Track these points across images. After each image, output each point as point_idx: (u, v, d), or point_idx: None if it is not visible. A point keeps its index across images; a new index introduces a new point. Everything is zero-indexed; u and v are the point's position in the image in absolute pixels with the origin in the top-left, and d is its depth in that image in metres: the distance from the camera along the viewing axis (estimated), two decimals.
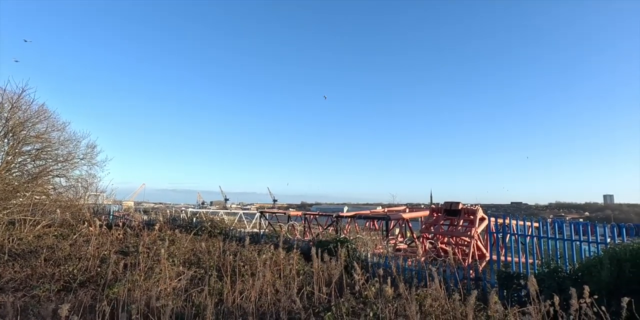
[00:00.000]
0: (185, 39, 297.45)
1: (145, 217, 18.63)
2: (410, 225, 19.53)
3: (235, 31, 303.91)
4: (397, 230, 20.68)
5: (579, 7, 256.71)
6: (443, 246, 17.48)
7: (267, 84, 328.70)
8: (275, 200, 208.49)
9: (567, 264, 8.60)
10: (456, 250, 16.98)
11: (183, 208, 35.14)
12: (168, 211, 22.53)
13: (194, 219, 15.40)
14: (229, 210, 48.39)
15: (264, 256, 7.39)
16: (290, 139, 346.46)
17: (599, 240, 8.94)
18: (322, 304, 5.40)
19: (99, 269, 7.26)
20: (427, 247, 17.87)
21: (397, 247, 17.64)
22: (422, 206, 27.94)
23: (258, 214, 28.37)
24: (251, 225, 29.43)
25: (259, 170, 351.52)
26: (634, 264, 5.27)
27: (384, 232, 17.94)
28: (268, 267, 6.67)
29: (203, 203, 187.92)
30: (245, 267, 7.22)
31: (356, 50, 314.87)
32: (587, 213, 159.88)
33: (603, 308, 3.55)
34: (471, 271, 8.04)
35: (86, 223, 12.26)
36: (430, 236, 18.45)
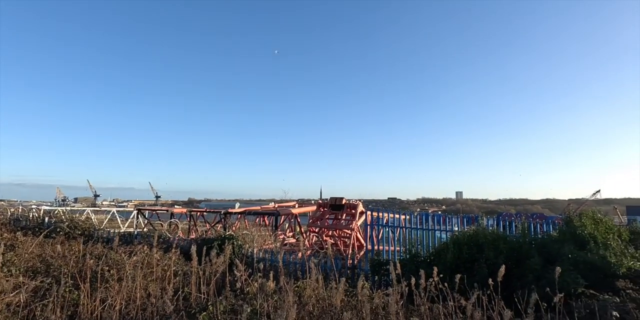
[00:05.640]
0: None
1: None
2: (299, 220, 20.17)
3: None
4: (287, 225, 21.14)
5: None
6: (327, 239, 18.65)
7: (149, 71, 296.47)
8: (158, 197, 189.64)
9: (426, 249, 10.17)
10: (339, 242, 18.32)
11: (34, 206, 28.94)
12: (10, 210, 18.26)
13: (47, 219, 12.83)
14: (98, 208, 41.95)
15: (135, 258, 6.61)
16: (179, 133, 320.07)
17: (447, 229, 10.86)
18: (200, 304, 5.11)
19: None
20: (312, 240, 18.77)
21: (286, 241, 18.03)
22: (312, 202, 29.22)
23: (135, 212, 25.41)
24: (126, 224, 26.10)
25: (139, 164, 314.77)
26: (469, 246, 6.54)
27: (274, 228, 18.11)
28: (139, 269, 5.98)
29: (64, 200, 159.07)
30: (111, 271, 6.31)
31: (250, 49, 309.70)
32: (444, 206, 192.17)
33: (446, 284, 4.40)
34: (349, 261, 8.74)
35: None
36: (316, 230, 19.43)
